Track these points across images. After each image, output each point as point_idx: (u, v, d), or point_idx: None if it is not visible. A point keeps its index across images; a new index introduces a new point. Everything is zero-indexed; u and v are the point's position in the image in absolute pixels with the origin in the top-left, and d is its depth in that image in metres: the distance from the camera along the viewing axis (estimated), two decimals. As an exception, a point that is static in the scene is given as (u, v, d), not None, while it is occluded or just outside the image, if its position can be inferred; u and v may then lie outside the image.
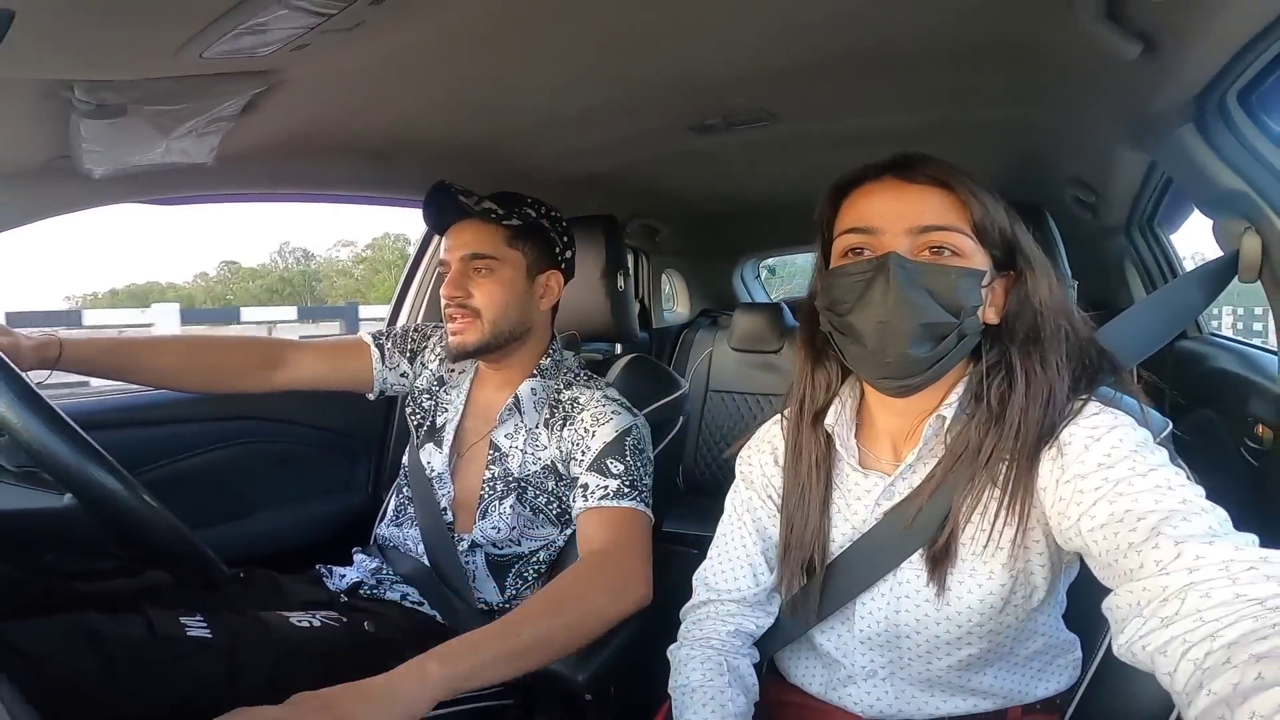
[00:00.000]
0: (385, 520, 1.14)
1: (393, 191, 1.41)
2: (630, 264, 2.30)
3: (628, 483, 0.94)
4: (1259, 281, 0.87)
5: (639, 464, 0.97)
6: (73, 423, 0.65)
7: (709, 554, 0.82)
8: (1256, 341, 1.61)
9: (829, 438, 0.73)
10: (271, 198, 1.27)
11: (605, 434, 0.97)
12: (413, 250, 1.70)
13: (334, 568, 1.07)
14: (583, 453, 0.98)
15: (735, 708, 0.70)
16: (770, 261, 3.25)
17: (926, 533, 0.67)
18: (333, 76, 0.89)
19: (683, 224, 2.32)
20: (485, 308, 1.02)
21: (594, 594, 0.83)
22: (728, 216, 2.31)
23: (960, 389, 0.68)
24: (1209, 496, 0.73)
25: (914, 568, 0.69)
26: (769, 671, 0.82)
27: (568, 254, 1.12)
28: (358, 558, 1.09)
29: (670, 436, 1.18)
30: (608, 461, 0.95)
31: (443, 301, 1.04)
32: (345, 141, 1.18)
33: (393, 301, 1.64)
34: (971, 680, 0.71)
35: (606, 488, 0.93)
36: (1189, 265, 1.78)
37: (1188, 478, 0.56)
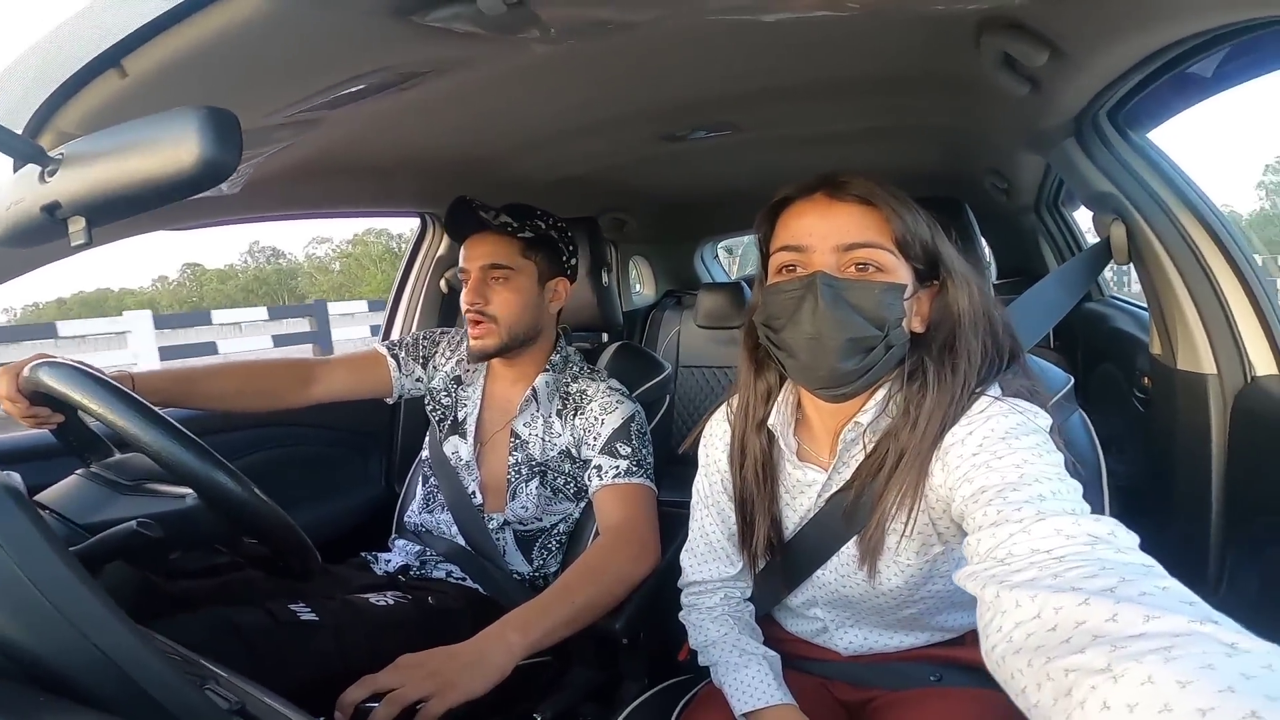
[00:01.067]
0: (414, 508, 1.25)
1: (393, 205, 1.51)
2: (603, 255, 2.43)
3: (635, 462, 1.08)
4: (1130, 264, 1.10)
5: (642, 445, 1.11)
6: (194, 436, 0.75)
7: (688, 537, 0.90)
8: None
9: (772, 436, 0.79)
10: (280, 218, 1.37)
11: (613, 421, 1.11)
12: (395, 244, 1.81)
13: (378, 554, 1.20)
14: (595, 438, 1.12)
15: (754, 647, 0.80)
16: (727, 243, 3.43)
17: (860, 522, 0.73)
18: (355, 116, 1.00)
19: (648, 215, 2.46)
20: (502, 314, 1.12)
21: (621, 562, 0.99)
22: (689, 206, 2.46)
23: (879, 394, 0.73)
24: (1111, 440, 0.90)
25: (851, 551, 0.75)
26: (765, 618, 0.91)
27: (573, 261, 1.22)
28: (398, 544, 1.22)
29: (660, 414, 1.33)
30: (617, 445, 1.09)
31: (463, 307, 1.14)
32: (352, 164, 1.28)
33: (389, 302, 1.75)
34: (927, 621, 0.79)
35: (618, 467, 1.08)
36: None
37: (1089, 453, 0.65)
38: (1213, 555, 1.03)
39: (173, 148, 0.42)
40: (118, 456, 0.86)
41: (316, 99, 0.76)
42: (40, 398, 0.85)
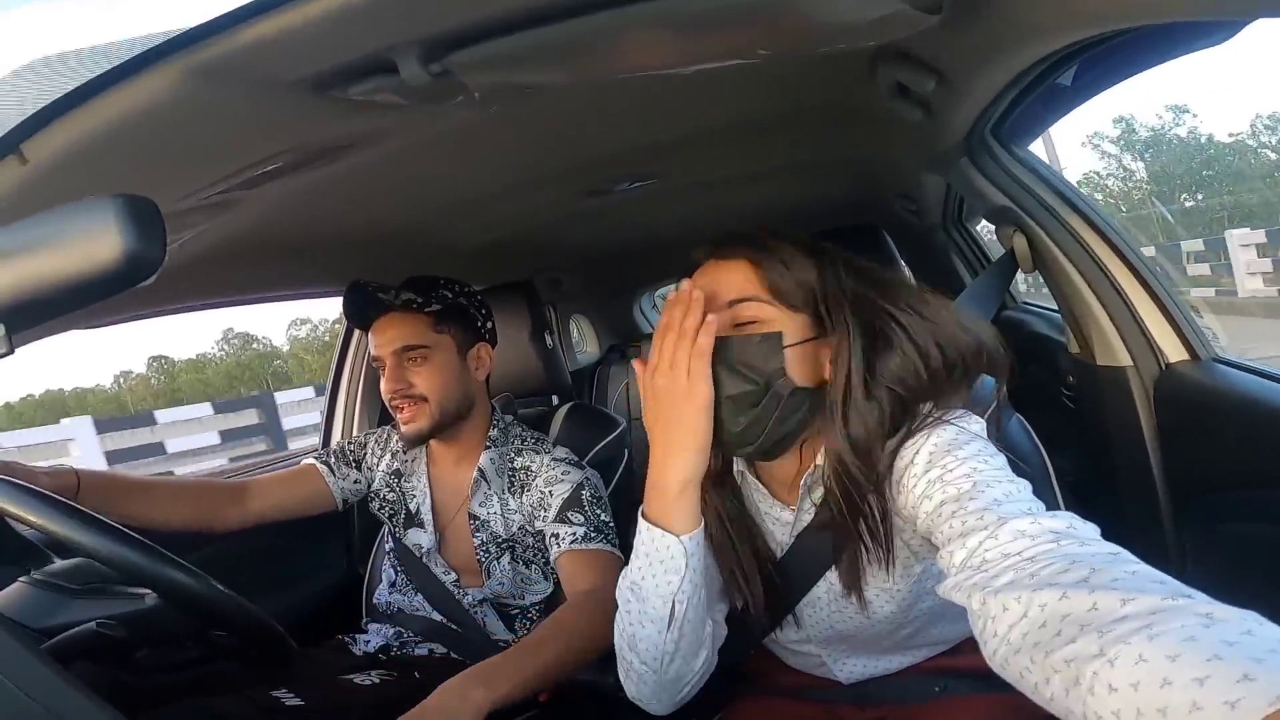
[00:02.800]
0: (382, 589, 1.20)
1: (313, 287, 1.47)
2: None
3: (593, 528, 1.05)
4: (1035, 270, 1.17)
5: (598, 510, 1.08)
6: (142, 538, 0.73)
7: None
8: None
9: (736, 486, 0.80)
10: (201, 307, 1.30)
11: (561, 491, 1.08)
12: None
13: (355, 635, 1.14)
14: (544, 510, 1.09)
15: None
16: (663, 291, 3.50)
17: (837, 554, 0.73)
18: (270, 195, 0.97)
19: (583, 272, 2.49)
20: (429, 392, 1.08)
21: (593, 625, 0.90)
22: (622, 259, 2.50)
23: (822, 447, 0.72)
24: (1048, 437, 0.94)
25: (836, 587, 0.75)
26: (763, 656, 0.90)
27: (489, 324, 1.20)
28: (372, 626, 1.16)
29: (620, 470, 1.31)
30: (569, 514, 1.06)
31: (385, 396, 1.10)
32: (270, 245, 1.22)
33: (326, 403, 1.68)
34: (921, 638, 0.80)
35: (574, 534, 1.04)
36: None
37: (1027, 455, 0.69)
38: (1170, 539, 1.06)
39: (91, 243, 0.39)
40: (58, 564, 0.83)
41: (233, 179, 0.74)
42: None
